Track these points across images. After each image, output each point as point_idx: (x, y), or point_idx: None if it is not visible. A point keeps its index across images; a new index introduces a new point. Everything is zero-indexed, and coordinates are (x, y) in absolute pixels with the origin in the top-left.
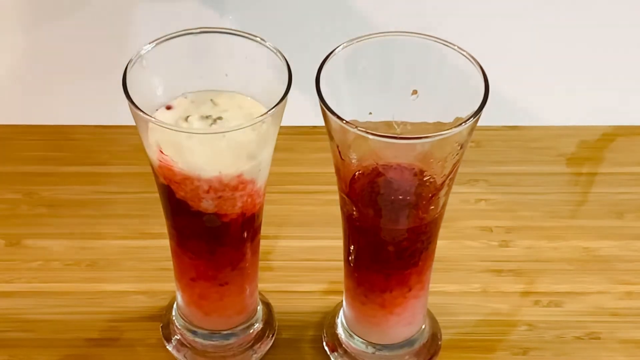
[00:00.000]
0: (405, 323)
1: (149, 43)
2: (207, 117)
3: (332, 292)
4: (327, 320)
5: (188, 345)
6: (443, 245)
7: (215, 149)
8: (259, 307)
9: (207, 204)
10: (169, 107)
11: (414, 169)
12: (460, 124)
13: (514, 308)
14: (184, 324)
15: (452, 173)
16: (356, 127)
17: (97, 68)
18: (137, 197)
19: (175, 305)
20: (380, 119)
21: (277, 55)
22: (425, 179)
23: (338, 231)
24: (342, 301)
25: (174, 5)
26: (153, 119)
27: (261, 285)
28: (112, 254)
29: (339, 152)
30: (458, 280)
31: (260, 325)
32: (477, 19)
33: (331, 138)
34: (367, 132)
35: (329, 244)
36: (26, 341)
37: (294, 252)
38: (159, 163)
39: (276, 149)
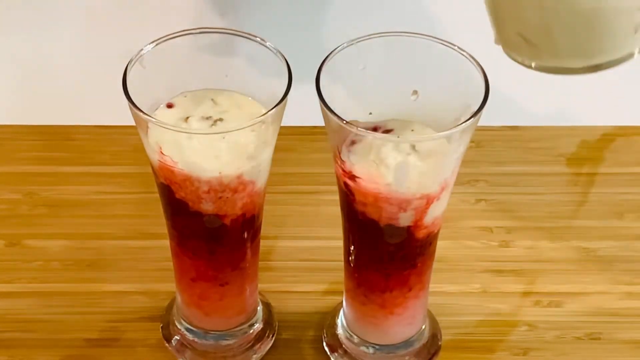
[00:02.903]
0: (406, 323)
1: (149, 43)
2: (207, 118)
3: (332, 292)
4: (327, 320)
5: (188, 345)
6: (443, 245)
7: (215, 150)
8: (259, 308)
9: (207, 205)
10: (169, 105)
11: None
12: (461, 124)
13: (514, 308)
14: (184, 325)
15: (452, 173)
16: (356, 127)
17: (97, 68)
18: (137, 197)
19: (175, 306)
20: (380, 119)
21: (277, 55)
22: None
23: (338, 231)
24: (342, 301)
25: (174, 6)
26: (153, 119)
27: (261, 286)
28: (112, 254)
29: (339, 152)
30: (458, 281)
31: (260, 326)
32: (477, 19)
33: (331, 138)
34: (367, 132)
35: (329, 244)
36: (26, 341)
37: (294, 253)
38: (159, 163)
39: (276, 149)
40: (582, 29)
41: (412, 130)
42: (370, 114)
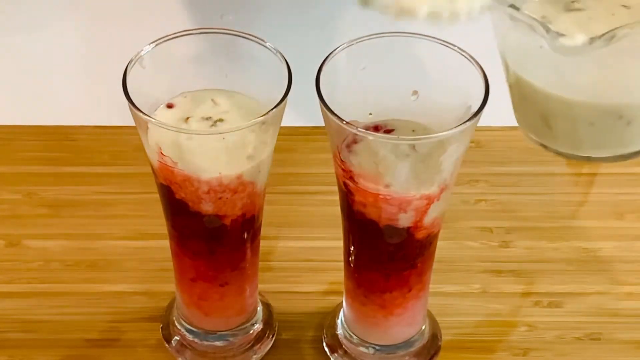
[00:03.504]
0: (405, 324)
1: (149, 43)
2: (207, 118)
3: (332, 293)
4: (327, 320)
5: (188, 345)
6: (443, 246)
7: (215, 150)
8: (259, 308)
9: (207, 205)
10: (169, 106)
11: None
12: (461, 124)
13: (514, 309)
14: (184, 325)
15: (452, 173)
16: (356, 127)
17: (97, 68)
18: (137, 197)
19: (175, 306)
20: (380, 119)
21: (277, 56)
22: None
23: (338, 231)
24: (342, 302)
25: (174, 6)
26: (153, 120)
27: (261, 286)
28: (112, 254)
29: (339, 152)
30: (458, 281)
31: (260, 326)
32: (477, 19)
33: (331, 138)
34: (367, 132)
35: (329, 244)
36: (26, 341)
37: (294, 253)
38: (158, 164)
39: (276, 149)
40: (609, 122)
41: (413, 130)
42: (370, 114)
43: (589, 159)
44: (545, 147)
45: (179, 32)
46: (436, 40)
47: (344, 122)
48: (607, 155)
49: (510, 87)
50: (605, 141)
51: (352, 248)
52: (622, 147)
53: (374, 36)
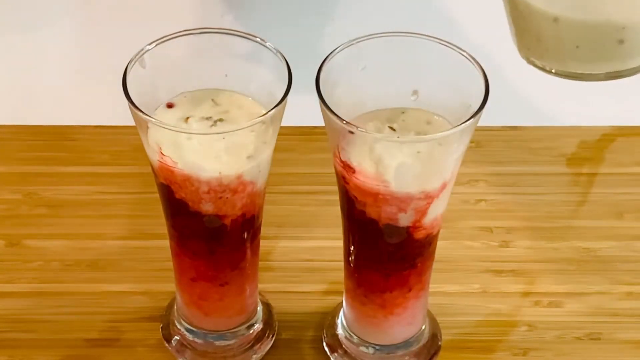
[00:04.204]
0: (405, 323)
1: (149, 43)
2: (207, 118)
3: (332, 293)
4: (327, 320)
5: (188, 345)
6: (443, 245)
7: (215, 150)
8: (259, 308)
9: (207, 205)
10: (169, 105)
11: None
12: (460, 124)
13: (514, 308)
14: (184, 325)
15: (452, 173)
16: (356, 127)
17: (97, 68)
18: (137, 197)
19: (175, 306)
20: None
21: (277, 56)
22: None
23: (338, 231)
24: (342, 301)
25: (175, 5)
26: (153, 119)
27: (261, 286)
28: (112, 254)
29: (339, 152)
30: (458, 281)
31: (260, 326)
32: (477, 19)
33: (331, 138)
34: (367, 132)
35: (329, 244)
36: (26, 341)
37: (294, 253)
38: (158, 164)
39: (276, 149)
40: (601, 37)
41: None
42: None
43: (581, 77)
44: (548, 71)
45: (179, 32)
46: (436, 40)
47: (344, 122)
48: (599, 72)
49: (505, 7)
50: (596, 55)
51: (352, 248)
52: (615, 63)
53: (374, 36)
